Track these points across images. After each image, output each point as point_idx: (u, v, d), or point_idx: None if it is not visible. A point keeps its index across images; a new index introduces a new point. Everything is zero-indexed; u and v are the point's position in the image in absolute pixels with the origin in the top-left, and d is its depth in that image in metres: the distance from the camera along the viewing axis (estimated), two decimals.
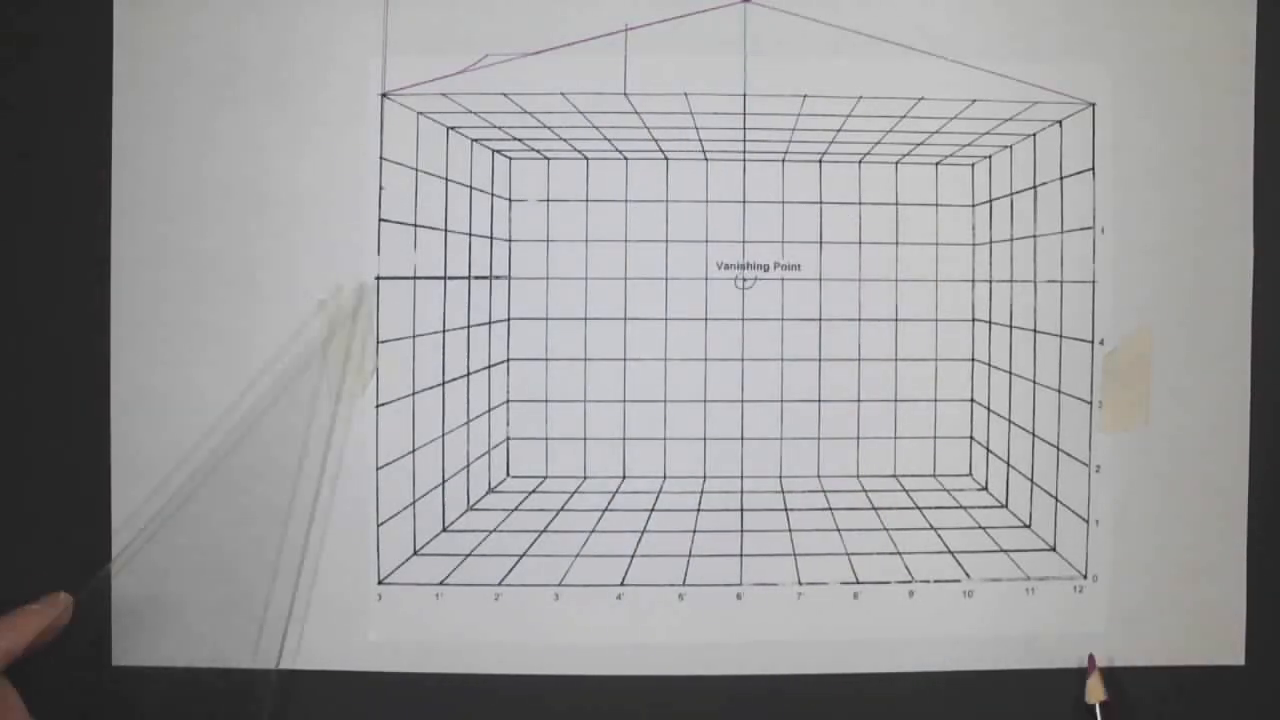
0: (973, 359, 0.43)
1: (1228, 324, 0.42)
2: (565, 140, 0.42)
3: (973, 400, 0.43)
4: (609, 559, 0.42)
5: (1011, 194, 0.42)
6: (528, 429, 0.42)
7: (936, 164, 0.42)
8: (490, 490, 0.42)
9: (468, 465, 0.42)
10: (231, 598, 0.41)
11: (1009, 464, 0.43)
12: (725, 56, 0.41)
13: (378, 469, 0.41)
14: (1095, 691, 0.40)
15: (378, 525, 0.41)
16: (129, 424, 0.41)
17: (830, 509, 0.42)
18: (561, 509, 0.42)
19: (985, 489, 0.43)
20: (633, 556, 0.42)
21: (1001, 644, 0.42)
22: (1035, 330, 0.42)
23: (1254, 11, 0.42)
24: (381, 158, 0.41)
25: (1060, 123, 0.42)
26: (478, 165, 0.42)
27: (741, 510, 0.42)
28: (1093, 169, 0.42)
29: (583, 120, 0.41)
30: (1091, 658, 0.41)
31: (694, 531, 0.42)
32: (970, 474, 0.43)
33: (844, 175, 0.42)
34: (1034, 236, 0.42)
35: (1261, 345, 0.42)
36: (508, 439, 0.42)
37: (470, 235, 0.42)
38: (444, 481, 0.42)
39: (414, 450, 0.42)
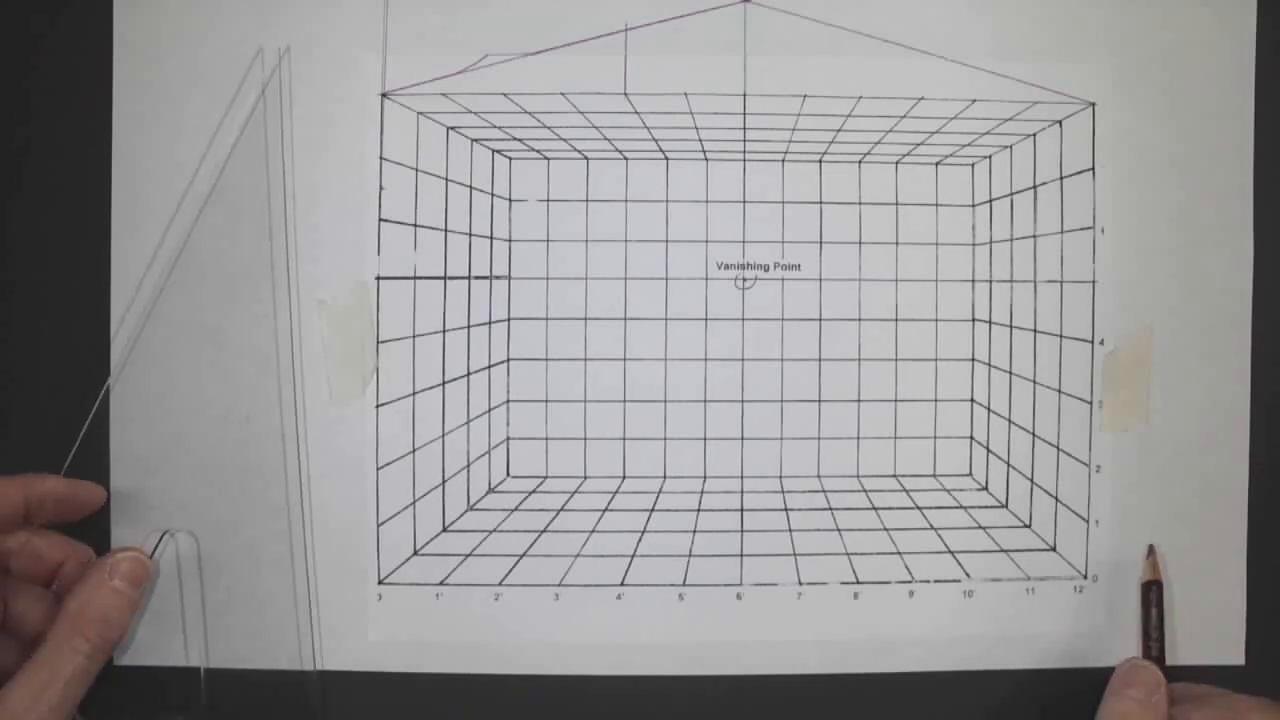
0: (973, 359, 0.43)
1: (1228, 324, 0.42)
2: (565, 140, 0.42)
3: (973, 400, 0.43)
4: (609, 559, 0.42)
5: (1011, 194, 0.42)
6: (528, 429, 0.42)
7: (936, 164, 0.42)
8: (490, 490, 0.42)
9: (468, 465, 0.42)
10: (231, 597, 0.41)
11: (1009, 464, 0.43)
12: (725, 56, 0.41)
13: (378, 469, 0.41)
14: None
15: (378, 525, 0.41)
16: (129, 424, 0.41)
17: (830, 509, 0.42)
18: (561, 509, 0.42)
19: (985, 489, 0.43)
20: (633, 556, 0.42)
21: (1001, 644, 0.42)
22: (1035, 330, 0.42)
23: (1254, 11, 0.42)
24: (381, 158, 0.41)
25: (1060, 123, 0.42)
26: (478, 165, 0.42)
27: (741, 510, 0.42)
28: (1093, 169, 0.42)
29: (583, 120, 0.41)
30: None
31: (694, 531, 0.42)
32: (970, 474, 0.43)
33: (844, 175, 0.42)
34: (1034, 236, 0.42)
35: (1261, 345, 0.42)
36: (508, 439, 0.42)
37: (470, 235, 0.42)
38: (444, 481, 0.42)
39: (414, 450, 0.42)
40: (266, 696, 0.41)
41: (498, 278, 0.42)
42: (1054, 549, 0.42)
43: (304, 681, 0.41)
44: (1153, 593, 0.41)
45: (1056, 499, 0.42)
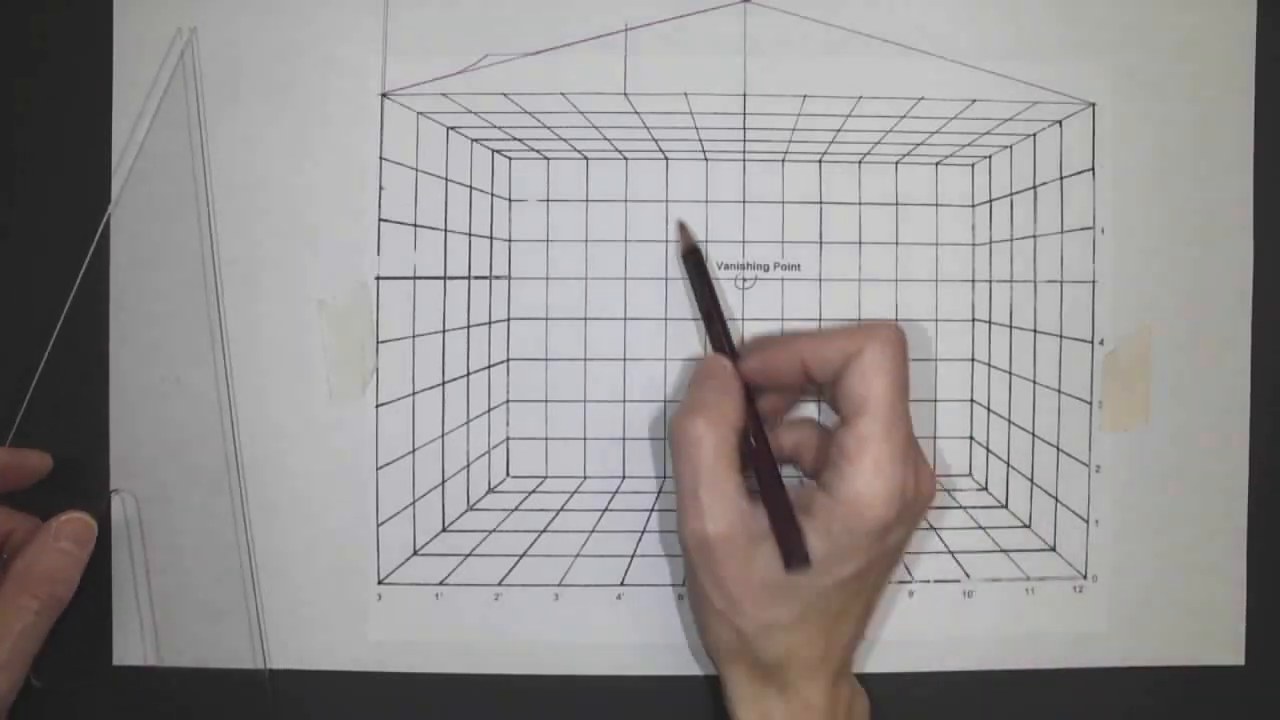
0: (973, 359, 0.43)
1: (1228, 324, 0.42)
2: (565, 140, 0.42)
3: (973, 400, 0.43)
4: (609, 559, 0.42)
5: (1011, 194, 0.42)
6: (528, 429, 0.42)
7: (936, 164, 0.42)
8: (490, 490, 0.42)
9: (468, 465, 0.42)
10: (231, 597, 0.41)
11: (1009, 464, 0.43)
12: (725, 56, 0.41)
13: (378, 469, 0.41)
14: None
15: (378, 525, 0.41)
16: (129, 424, 0.41)
17: None
18: (561, 509, 0.42)
19: (985, 489, 0.43)
20: (632, 556, 0.42)
21: (1001, 644, 0.42)
22: (1035, 330, 0.42)
23: (1254, 11, 0.42)
24: (381, 158, 0.41)
25: (1060, 123, 0.42)
26: (478, 165, 0.42)
27: None
28: (1093, 169, 0.42)
29: (583, 120, 0.41)
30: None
31: None
32: (970, 474, 0.43)
33: (844, 175, 0.42)
34: (1034, 236, 0.42)
35: (1261, 345, 0.42)
36: (508, 439, 0.42)
37: (470, 235, 0.42)
38: (444, 481, 0.42)
39: (414, 450, 0.42)
40: (218, 695, 0.41)
41: (498, 278, 0.42)
42: (1054, 549, 0.42)
43: (256, 680, 0.41)
44: (690, 261, 0.40)
45: (1056, 499, 0.42)
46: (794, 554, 0.35)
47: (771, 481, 0.36)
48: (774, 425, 0.40)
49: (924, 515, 0.37)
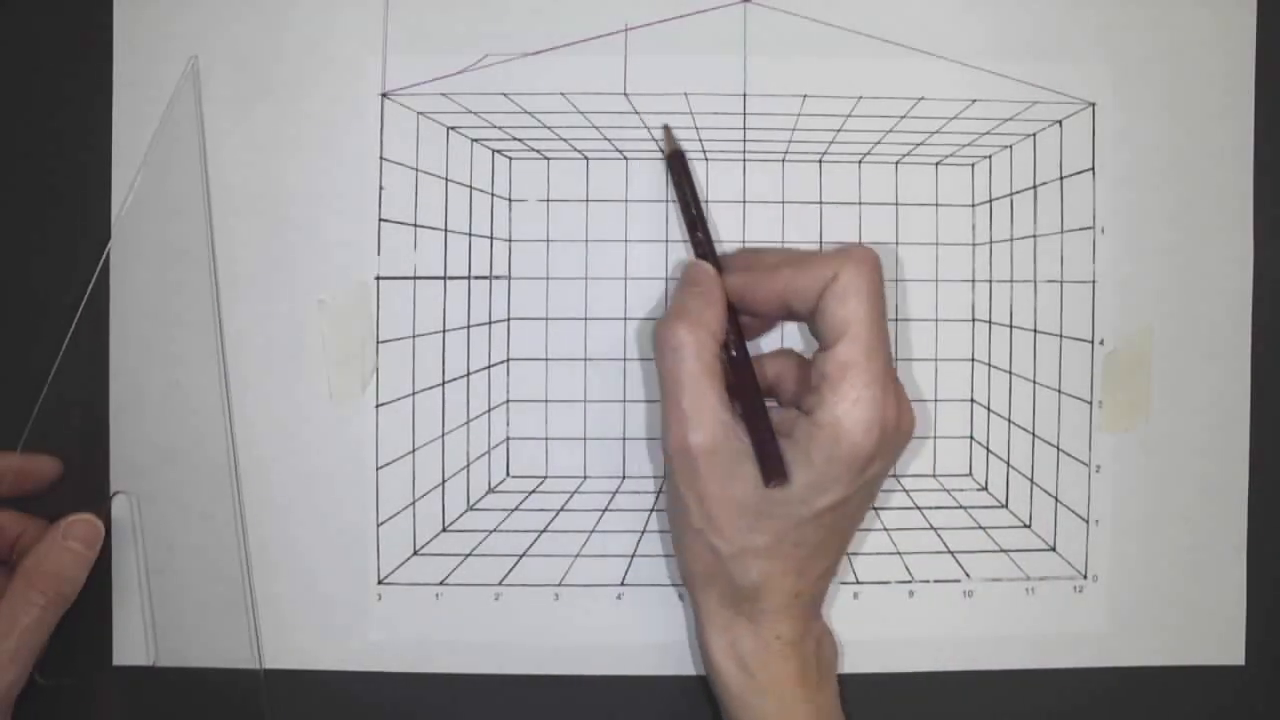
0: (973, 359, 0.43)
1: (1228, 324, 0.42)
2: (565, 140, 0.42)
3: (973, 400, 0.43)
4: (609, 559, 0.42)
5: (1011, 194, 0.42)
6: (528, 429, 0.42)
7: (936, 164, 0.42)
8: (490, 490, 0.42)
9: (468, 465, 0.42)
10: (230, 597, 0.41)
11: (1009, 464, 0.43)
12: (725, 56, 0.41)
13: (378, 469, 0.41)
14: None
15: (378, 525, 0.41)
16: (128, 424, 0.41)
17: None
18: (561, 509, 0.42)
19: (985, 489, 0.43)
20: (633, 556, 0.42)
21: (1001, 644, 0.42)
22: (1035, 330, 0.42)
23: (1254, 11, 0.42)
24: (381, 158, 0.41)
25: (1060, 123, 0.42)
26: (478, 165, 0.42)
27: None
28: (1093, 169, 0.42)
29: (583, 120, 0.41)
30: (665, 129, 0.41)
31: None
32: (970, 474, 0.43)
33: (844, 175, 0.42)
34: (1034, 236, 0.42)
35: (1261, 345, 0.42)
36: (508, 439, 0.42)
37: (470, 235, 0.42)
38: (444, 481, 0.42)
39: (414, 450, 0.42)
40: (218, 695, 0.41)
41: (498, 278, 0.42)
42: (1054, 549, 0.42)
43: (250, 681, 0.41)
44: (675, 164, 0.40)
45: (1056, 499, 0.42)
46: (773, 468, 0.34)
47: (751, 395, 0.36)
48: (753, 348, 0.39)
49: (903, 450, 0.37)
